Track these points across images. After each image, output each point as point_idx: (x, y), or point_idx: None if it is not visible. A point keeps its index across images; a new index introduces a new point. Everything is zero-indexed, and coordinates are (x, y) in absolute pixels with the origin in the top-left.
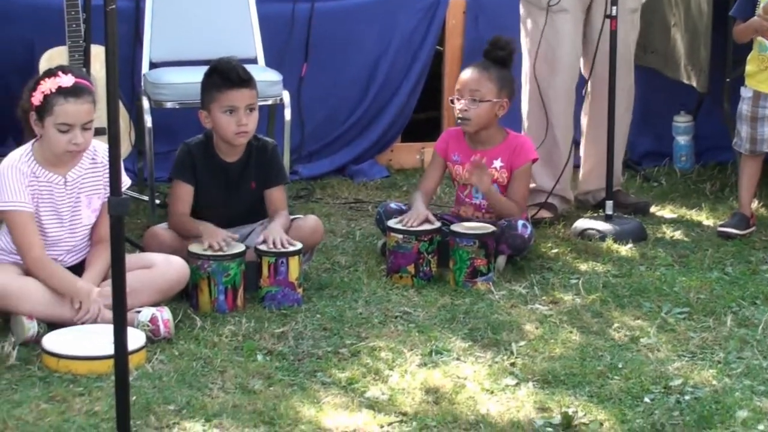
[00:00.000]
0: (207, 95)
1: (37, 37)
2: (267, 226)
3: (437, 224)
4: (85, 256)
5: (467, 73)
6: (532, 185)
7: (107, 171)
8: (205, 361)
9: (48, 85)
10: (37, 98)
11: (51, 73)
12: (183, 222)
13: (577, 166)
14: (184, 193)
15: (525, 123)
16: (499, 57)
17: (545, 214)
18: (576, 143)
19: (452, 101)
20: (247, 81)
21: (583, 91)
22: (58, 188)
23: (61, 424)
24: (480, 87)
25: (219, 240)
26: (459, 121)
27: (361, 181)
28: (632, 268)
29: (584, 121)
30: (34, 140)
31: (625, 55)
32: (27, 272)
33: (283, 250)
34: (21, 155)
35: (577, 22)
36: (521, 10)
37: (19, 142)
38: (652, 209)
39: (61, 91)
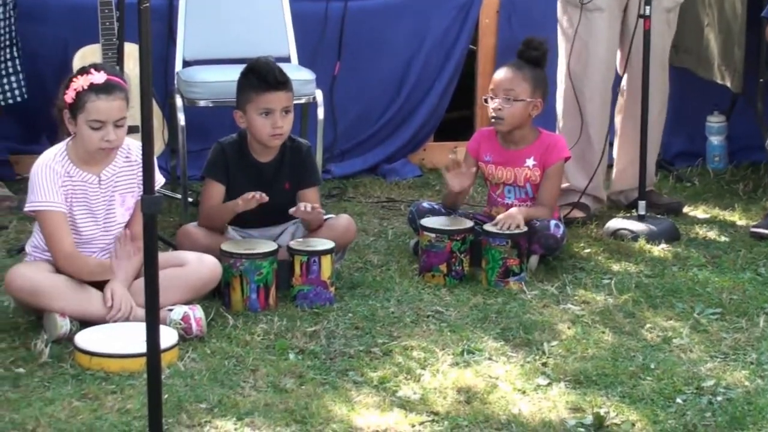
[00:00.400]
0: (243, 95)
1: (70, 36)
2: (299, 225)
3: (470, 223)
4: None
5: (501, 73)
6: (566, 184)
7: (141, 169)
8: (237, 360)
9: (80, 83)
10: (69, 96)
11: (84, 70)
12: (213, 212)
13: (611, 166)
14: (215, 192)
15: (560, 122)
16: (532, 57)
17: (578, 213)
18: (611, 143)
19: (486, 100)
20: (284, 83)
21: (619, 90)
22: (92, 187)
23: (93, 421)
24: (514, 86)
25: (255, 196)
26: (492, 120)
27: (394, 180)
28: (665, 269)
29: (618, 119)
30: (68, 139)
31: (660, 55)
32: (59, 270)
33: (315, 249)
34: (55, 154)
35: (612, 20)
36: (558, 8)
37: (53, 141)
38: (685, 209)
39: (93, 88)
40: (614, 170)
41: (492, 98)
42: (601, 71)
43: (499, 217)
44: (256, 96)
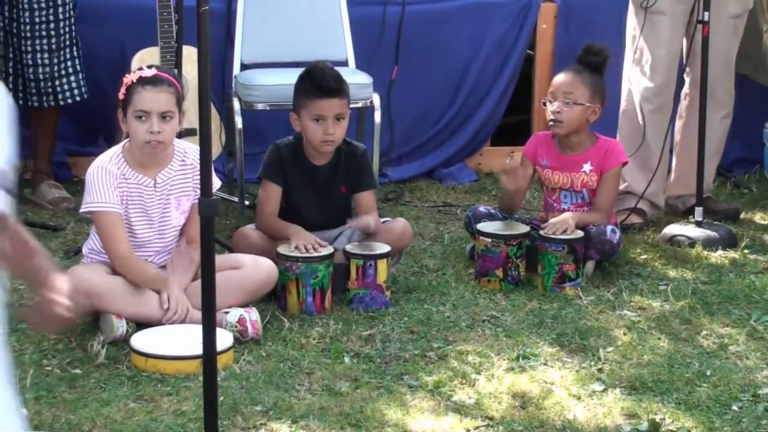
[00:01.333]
0: (298, 100)
1: (129, 38)
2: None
3: (526, 228)
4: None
5: (561, 76)
6: (624, 186)
7: (197, 172)
8: (292, 363)
9: (130, 78)
10: (121, 93)
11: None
12: (271, 223)
13: (669, 171)
14: (272, 194)
15: (620, 125)
16: (592, 63)
17: (635, 219)
18: (671, 148)
19: (544, 104)
20: (337, 91)
21: (682, 95)
22: (148, 190)
23: (148, 423)
24: (573, 90)
25: (307, 243)
26: (551, 123)
27: (450, 184)
28: (721, 275)
29: (679, 124)
30: (124, 141)
31: (725, 62)
32: (116, 272)
33: (371, 252)
34: (111, 157)
35: (676, 25)
36: (628, 11)
37: (110, 143)
38: (742, 216)
39: (140, 81)
40: (672, 175)
41: (551, 101)
42: (661, 75)
43: (552, 221)
44: (309, 102)
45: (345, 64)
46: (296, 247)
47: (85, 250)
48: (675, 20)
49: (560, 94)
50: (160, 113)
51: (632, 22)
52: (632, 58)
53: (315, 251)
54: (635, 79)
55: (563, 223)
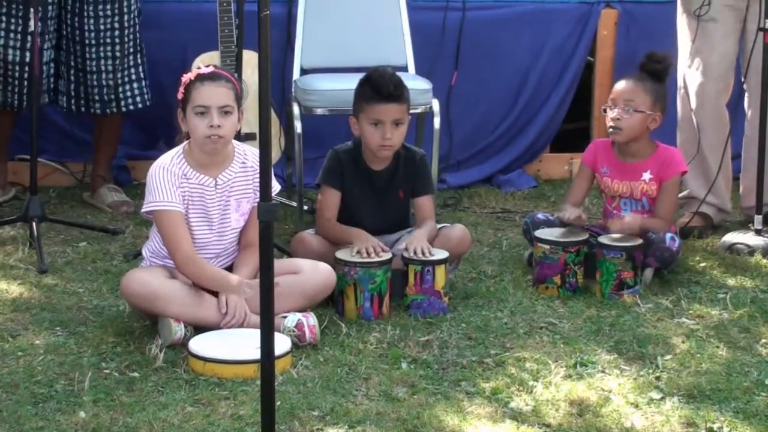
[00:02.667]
0: (357, 104)
1: (190, 43)
2: (412, 234)
3: (585, 235)
4: (233, 261)
5: (622, 84)
6: (686, 193)
7: (257, 175)
8: (349, 368)
9: (188, 76)
10: (179, 92)
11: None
12: (332, 228)
13: (737, 178)
14: (331, 199)
15: (678, 133)
16: (655, 70)
17: (697, 222)
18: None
19: (605, 110)
20: (396, 96)
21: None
22: (209, 191)
23: (206, 427)
24: (634, 97)
25: (370, 246)
26: (611, 130)
27: (509, 190)
28: None
29: (745, 137)
30: (185, 142)
31: None
32: (174, 276)
33: (430, 258)
34: (172, 157)
35: (729, 32)
36: (678, 19)
37: (170, 147)
38: None
39: (199, 77)
40: (741, 186)
41: (611, 108)
42: (715, 82)
43: (617, 222)
44: (367, 106)
45: (405, 69)
46: (358, 252)
47: (145, 252)
48: (727, 27)
49: (621, 101)
50: (220, 107)
51: (684, 29)
52: (686, 65)
53: (377, 255)
54: (691, 87)
55: (629, 227)
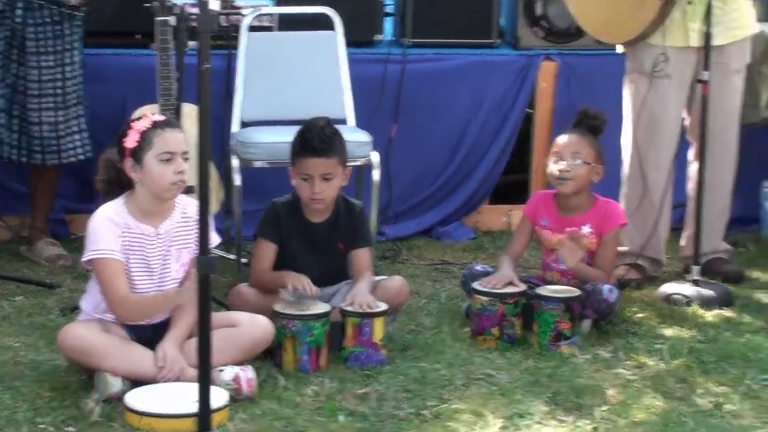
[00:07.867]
0: (291, 157)
1: (130, 96)
2: (352, 288)
3: (522, 287)
4: (172, 313)
5: (566, 137)
6: (625, 248)
7: (197, 227)
8: (287, 421)
9: (142, 124)
10: (132, 140)
11: (137, 119)
12: (264, 277)
13: (676, 228)
14: (266, 252)
15: (623, 188)
16: (592, 126)
17: (633, 275)
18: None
19: (547, 164)
20: (322, 151)
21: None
22: (150, 239)
23: None
24: (581, 149)
25: (304, 282)
26: (559, 181)
27: (448, 242)
28: (718, 334)
29: (689, 186)
30: (126, 193)
31: (728, 120)
32: (110, 330)
33: (368, 311)
34: (115, 207)
35: (680, 86)
36: (625, 77)
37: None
38: None
39: (157, 124)
40: (683, 235)
41: (556, 161)
42: (667, 139)
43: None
44: (297, 160)
45: (344, 122)
46: (294, 288)
47: (83, 306)
48: (680, 82)
49: (568, 154)
50: (182, 153)
51: (631, 87)
52: (634, 121)
53: (310, 290)
54: (641, 143)
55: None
